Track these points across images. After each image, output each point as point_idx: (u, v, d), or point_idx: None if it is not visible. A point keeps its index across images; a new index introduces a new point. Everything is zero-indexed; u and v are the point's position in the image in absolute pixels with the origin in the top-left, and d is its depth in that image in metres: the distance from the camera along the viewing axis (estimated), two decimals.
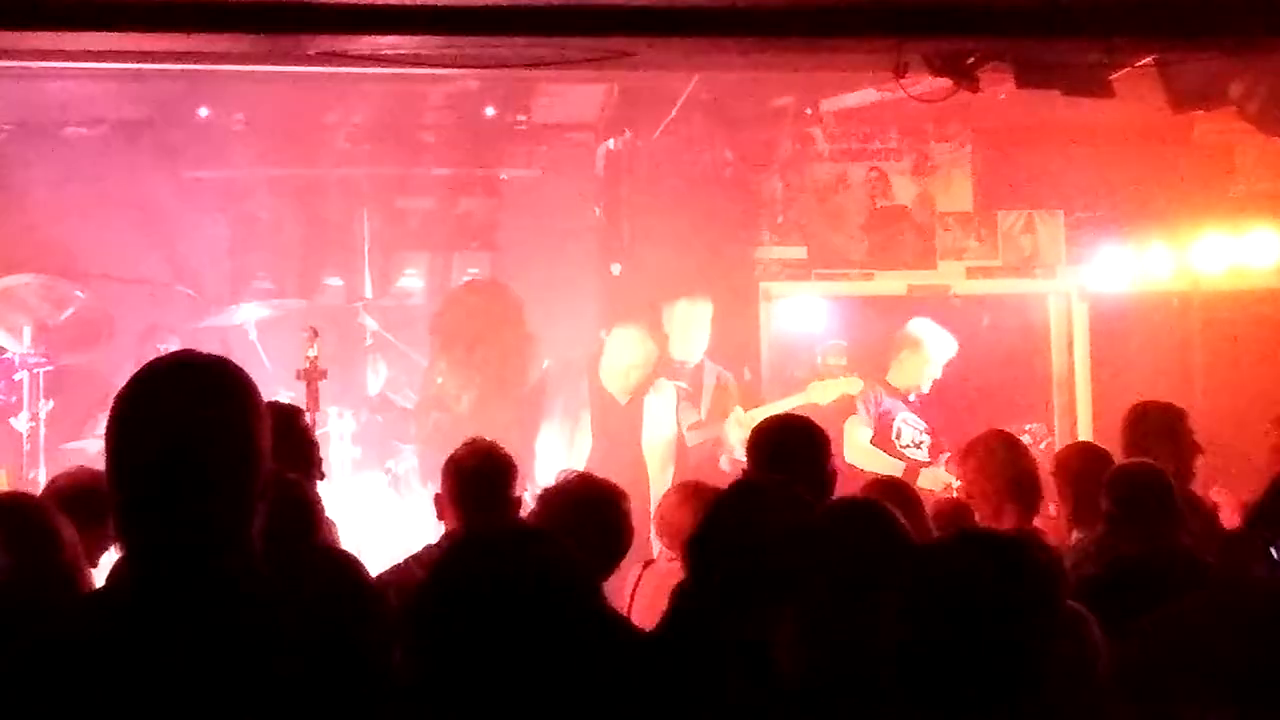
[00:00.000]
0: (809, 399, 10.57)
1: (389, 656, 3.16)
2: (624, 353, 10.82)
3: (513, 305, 11.21)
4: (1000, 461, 6.88)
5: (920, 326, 11.25)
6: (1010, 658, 3.19)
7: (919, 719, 3.21)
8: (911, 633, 3.26)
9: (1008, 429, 7.94)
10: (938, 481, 10.43)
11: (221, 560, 2.88)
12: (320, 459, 5.92)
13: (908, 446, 10.85)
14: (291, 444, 5.39)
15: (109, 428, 2.95)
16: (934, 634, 3.22)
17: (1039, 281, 13.16)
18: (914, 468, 10.63)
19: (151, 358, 3.05)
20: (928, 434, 10.93)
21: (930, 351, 11.09)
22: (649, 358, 10.81)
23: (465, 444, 6.62)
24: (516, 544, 3.22)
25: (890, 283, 12.94)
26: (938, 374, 11.14)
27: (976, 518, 6.93)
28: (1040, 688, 3.21)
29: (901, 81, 9.56)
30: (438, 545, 6.21)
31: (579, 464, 9.66)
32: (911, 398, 11.07)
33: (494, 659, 2.95)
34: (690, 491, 7.07)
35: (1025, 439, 11.03)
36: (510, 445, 6.73)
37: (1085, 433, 12.82)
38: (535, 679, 2.96)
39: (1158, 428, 7.67)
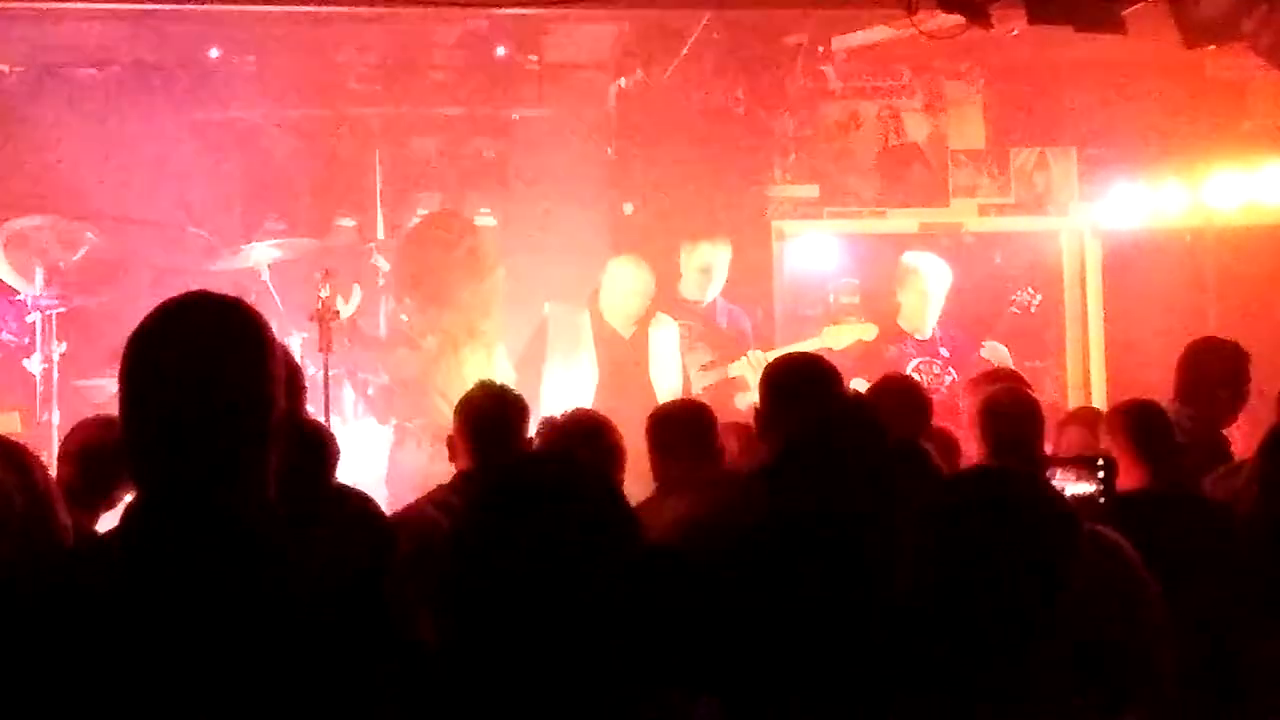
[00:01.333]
0: (823, 343, 10.55)
1: (405, 596, 3.18)
2: (622, 282, 10.79)
3: (476, 239, 10.99)
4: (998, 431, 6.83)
5: (912, 257, 11.21)
6: (1033, 592, 3.16)
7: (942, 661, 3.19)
8: (931, 571, 3.24)
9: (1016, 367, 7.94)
10: None
11: (235, 499, 2.89)
12: (303, 395, 5.87)
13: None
14: None
15: (123, 368, 2.96)
16: (953, 570, 3.19)
17: (1052, 219, 13.13)
18: None
19: (164, 299, 3.04)
20: (945, 374, 10.88)
21: (926, 281, 11.04)
22: (648, 286, 10.78)
23: (478, 385, 6.69)
24: (558, 465, 3.23)
25: (902, 221, 12.92)
26: (941, 302, 11.09)
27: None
28: (1064, 622, 3.19)
29: (913, 18, 9.53)
30: (450, 486, 6.25)
31: (586, 402, 9.66)
32: (926, 335, 11.03)
33: (553, 574, 2.93)
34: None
35: (1013, 309, 11.11)
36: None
37: (1098, 370, 12.84)
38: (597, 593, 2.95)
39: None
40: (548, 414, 6.94)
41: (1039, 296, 11.75)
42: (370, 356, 10.82)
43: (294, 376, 5.96)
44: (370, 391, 10.95)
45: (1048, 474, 5.21)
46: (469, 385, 9.01)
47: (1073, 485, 5.24)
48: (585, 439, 6.27)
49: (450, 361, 10.05)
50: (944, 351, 10.97)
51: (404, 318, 10.66)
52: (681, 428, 6.75)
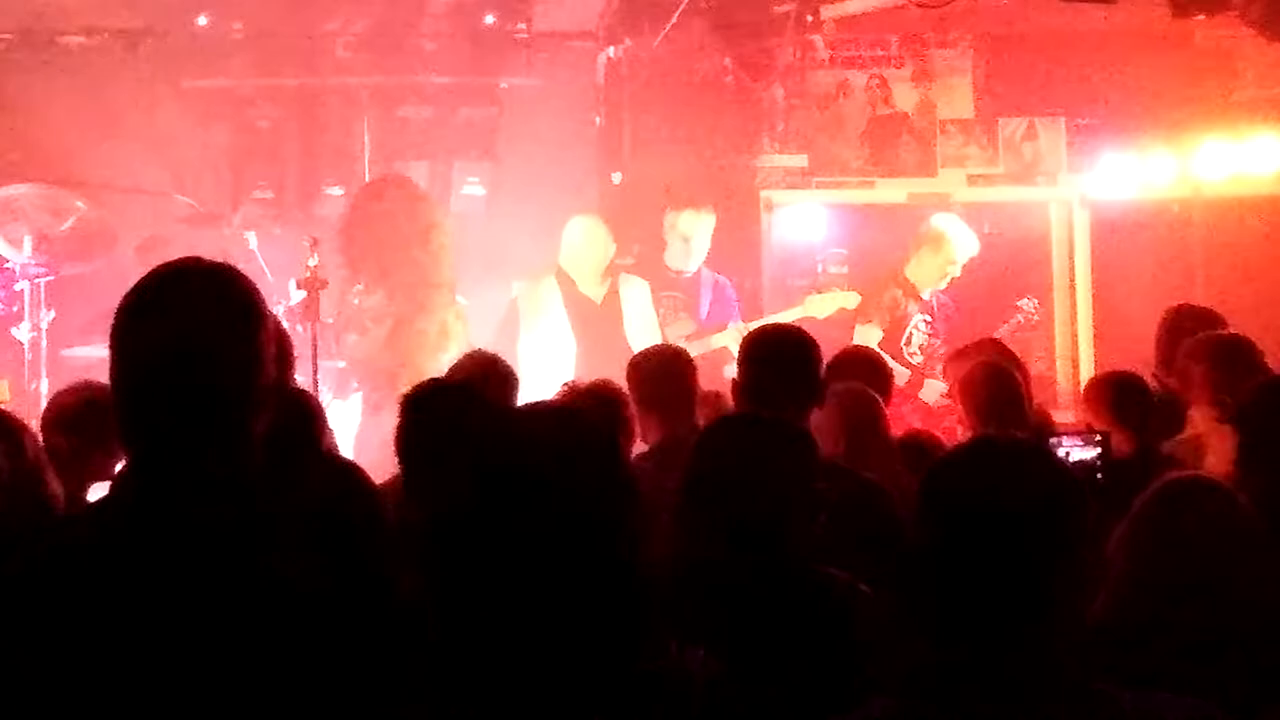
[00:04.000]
0: (806, 312, 10.56)
1: (390, 564, 3.18)
2: (576, 238, 10.79)
3: (424, 206, 10.81)
4: (984, 397, 6.84)
5: (944, 222, 11.20)
6: (1036, 567, 3.15)
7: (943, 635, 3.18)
8: (930, 546, 3.23)
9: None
10: (933, 393, 10.46)
11: (225, 465, 2.89)
12: (291, 363, 5.85)
13: (914, 354, 10.85)
14: None
15: (113, 334, 2.96)
16: (954, 545, 3.18)
17: (1040, 189, 13.13)
18: (918, 378, 10.66)
19: (153, 267, 3.04)
20: (936, 338, 10.92)
21: (954, 249, 11.06)
22: (604, 240, 10.78)
23: (466, 355, 6.69)
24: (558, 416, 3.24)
25: (891, 191, 12.92)
26: (957, 273, 11.12)
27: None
28: (1071, 597, 3.18)
29: None
30: None
31: (567, 372, 9.63)
32: (927, 295, 11.04)
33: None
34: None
35: (1019, 318, 11.10)
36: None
37: (1086, 341, 12.85)
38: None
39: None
40: (532, 386, 6.94)
41: (1037, 305, 11.71)
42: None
43: (283, 345, 5.96)
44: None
45: (1052, 442, 5.31)
46: (433, 351, 8.97)
47: (1077, 451, 5.40)
48: (601, 404, 6.28)
49: (406, 334, 9.94)
50: (940, 321, 11.02)
51: (355, 301, 10.43)
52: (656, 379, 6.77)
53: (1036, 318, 11.51)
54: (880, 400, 6.71)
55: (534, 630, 2.90)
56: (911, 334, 10.85)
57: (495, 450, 3.05)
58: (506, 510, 2.94)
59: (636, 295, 10.83)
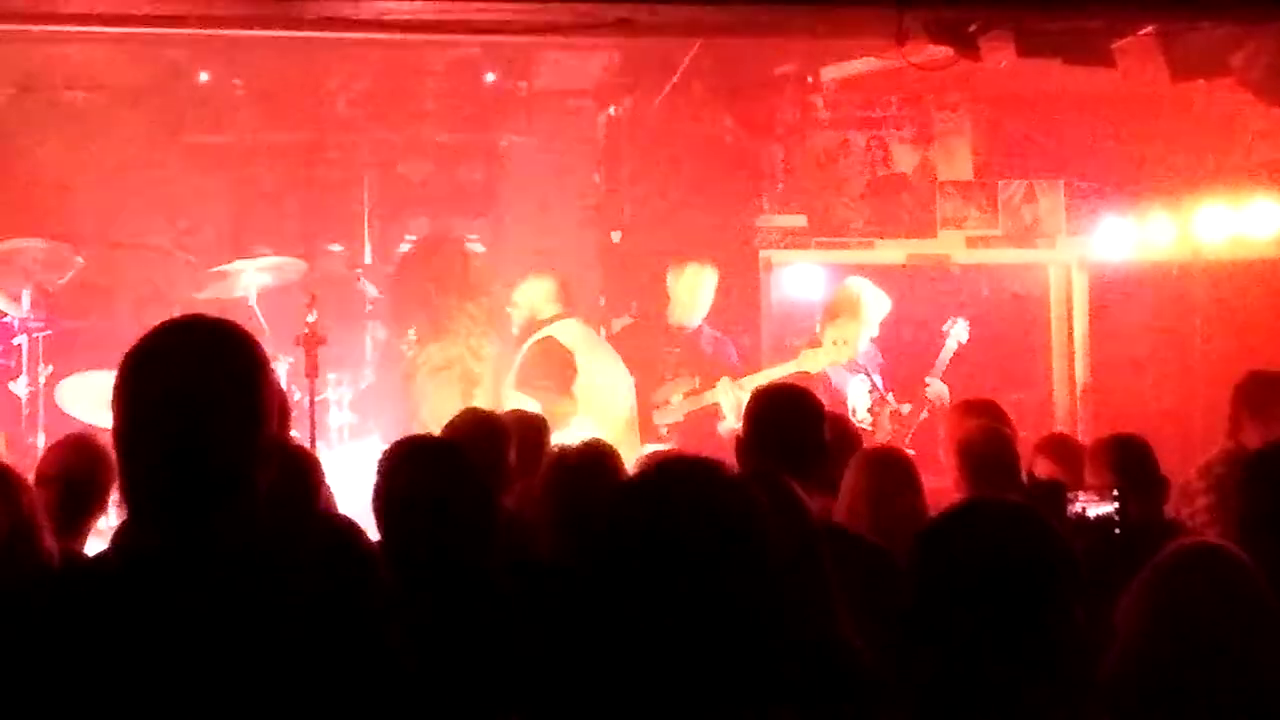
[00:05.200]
0: (801, 367, 10.55)
1: (389, 621, 3.17)
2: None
3: (468, 260, 10.89)
4: (980, 459, 6.82)
5: (856, 286, 11.21)
6: (1033, 628, 3.15)
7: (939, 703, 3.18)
8: (926, 609, 3.22)
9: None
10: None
11: (225, 522, 2.89)
12: (289, 419, 5.84)
13: (863, 421, 10.74)
14: None
15: (116, 389, 2.95)
16: (952, 605, 3.17)
17: (1039, 251, 13.14)
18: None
19: (152, 323, 3.04)
20: (875, 392, 10.86)
21: (869, 312, 11.03)
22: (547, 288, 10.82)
23: (462, 411, 6.69)
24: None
25: (890, 251, 12.92)
26: (875, 333, 11.07)
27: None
28: (1066, 659, 3.18)
29: (903, 50, 9.54)
30: None
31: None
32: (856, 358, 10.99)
33: None
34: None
35: (950, 343, 11.13)
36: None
37: (1084, 403, 12.84)
38: None
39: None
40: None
41: (964, 324, 11.56)
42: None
43: (280, 401, 5.95)
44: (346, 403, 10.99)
45: (1069, 497, 5.35)
46: (488, 396, 9.05)
47: (1094, 507, 5.48)
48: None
49: (465, 380, 10.04)
50: (875, 377, 10.96)
51: (407, 352, 10.59)
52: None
53: (966, 339, 11.39)
54: (908, 463, 6.64)
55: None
56: (854, 408, 10.73)
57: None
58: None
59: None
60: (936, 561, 3.26)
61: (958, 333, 11.21)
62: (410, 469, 4.84)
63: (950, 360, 11.04)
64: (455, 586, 4.56)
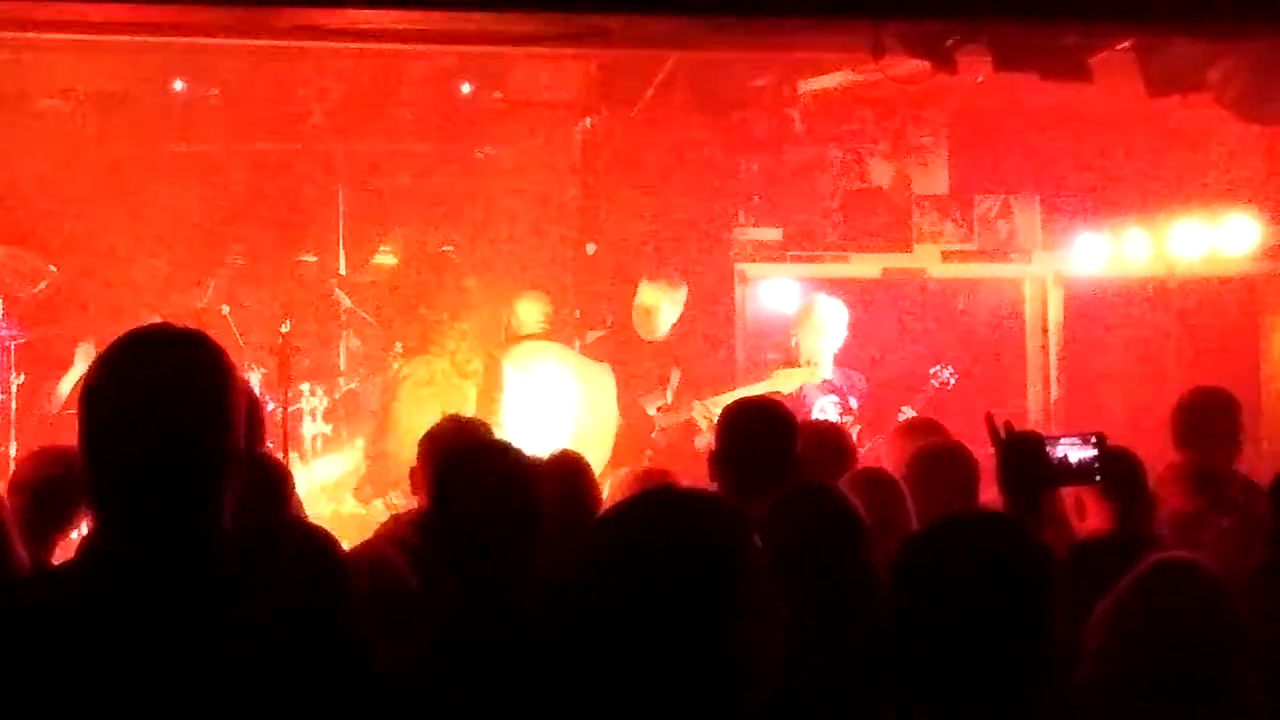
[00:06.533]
0: (774, 386, 10.53)
1: (361, 632, 3.15)
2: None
3: (459, 275, 10.92)
4: (945, 477, 6.79)
5: (811, 298, 11.28)
6: (1013, 641, 3.15)
7: (921, 713, 3.18)
8: (908, 622, 3.23)
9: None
10: None
11: (193, 533, 2.87)
12: (263, 430, 5.80)
13: None
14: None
15: (82, 399, 2.93)
16: (933, 620, 3.18)
17: (1015, 266, 13.16)
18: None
19: (124, 332, 3.02)
20: (848, 414, 10.85)
21: (823, 322, 11.03)
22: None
23: (445, 417, 6.66)
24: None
25: (865, 265, 12.94)
26: (837, 343, 11.07)
27: None
28: (1044, 672, 3.19)
29: (879, 63, 9.54)
30: (407, 521, 6.20)
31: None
32: (826, 376, 10.97)
33: None
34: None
35: (933, 384, 11.13)
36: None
37: (1058, 418, 12.85)
38: None
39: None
40: None
41: (953, 372, 11.60)
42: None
43: (254, 411, 5.92)
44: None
45: (1049, 442, 5.39)
46: (484, 410, 9.05)
47: (1075, 451, 5.52)
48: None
49: (454, 396, 10.02)
50: (850, 399, 10.94)
51: (395, 366, 10.56)
52: None
53: (951, 384, 11.40)
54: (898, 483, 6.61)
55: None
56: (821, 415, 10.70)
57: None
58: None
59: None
60: (917, 575, 3.26)
61: (943, 377, 11.25)
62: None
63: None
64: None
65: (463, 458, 4.83)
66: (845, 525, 4.60)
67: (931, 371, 11.29)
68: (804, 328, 11.06)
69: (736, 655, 2.63)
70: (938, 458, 6.81)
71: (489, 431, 6.60)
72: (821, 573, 4.37)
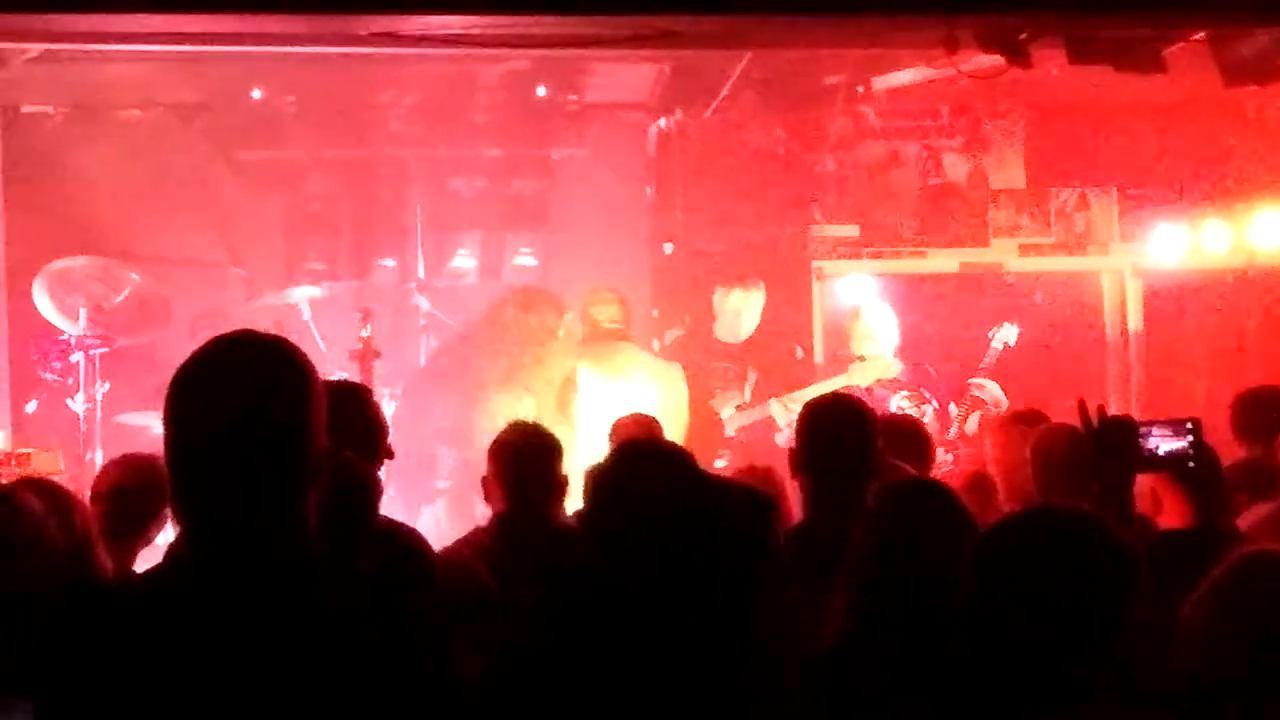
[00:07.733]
0: (850, 380, 10.55)
1: (444, 635, 3.18)
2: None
3: (558, 315, 10.93)
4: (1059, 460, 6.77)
5: (857, 303, 11.34)
6: (1094, 638, 3.15)
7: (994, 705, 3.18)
8: (986, 616, 3.23)
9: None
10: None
11: (276, 538, 2.90)
12: (386, 440, 5.82)
13: None
14: (356, 424, 5.33)
15: (167, 405, 2.96)
16: (1012, 616, 3.17)
17: (1092, 259, 13.09)
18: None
19: (207, 339, 3.06)
20: (926, 404, 10.84)
21: (873, 329, 11.07)
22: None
23: (510, 425, 6.67)
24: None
25: (943, 261, 12.89)
26: (892, 345, 11.09)
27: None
28: (1123, 668, 3.18)
29: (953, 59, 9.53)
30: (485, 529, 6.24)
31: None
32: (894, 374, 10.97)
33: None
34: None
35: (995, 347, 11.12)
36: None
37: (1138, 411, 12.77)
38: None
39: None
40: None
41: (1012, 329, 11.50)
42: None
43: (375, 430, 5.88)
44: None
45: (1143, 432, 5.33)
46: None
47: (1167, 443, 5.42)
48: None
49: (518, 404, 10.03)
50: (924, 389, 10.94)
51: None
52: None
53: (1013, 343, 11.34)
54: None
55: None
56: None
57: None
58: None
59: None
60: (994, 569, 3.26)
61: (1004, 335, 11.20)
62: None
63: (996, 362, 11.03)
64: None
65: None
66: (958, 521, 4.59)
67: (990, 335, 11.24)
68: (854, 332, 11.13)
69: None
70: (1072, 439, 6.77)
71: (555, 440, 6.59)
72: (929, 567, 4.37)
